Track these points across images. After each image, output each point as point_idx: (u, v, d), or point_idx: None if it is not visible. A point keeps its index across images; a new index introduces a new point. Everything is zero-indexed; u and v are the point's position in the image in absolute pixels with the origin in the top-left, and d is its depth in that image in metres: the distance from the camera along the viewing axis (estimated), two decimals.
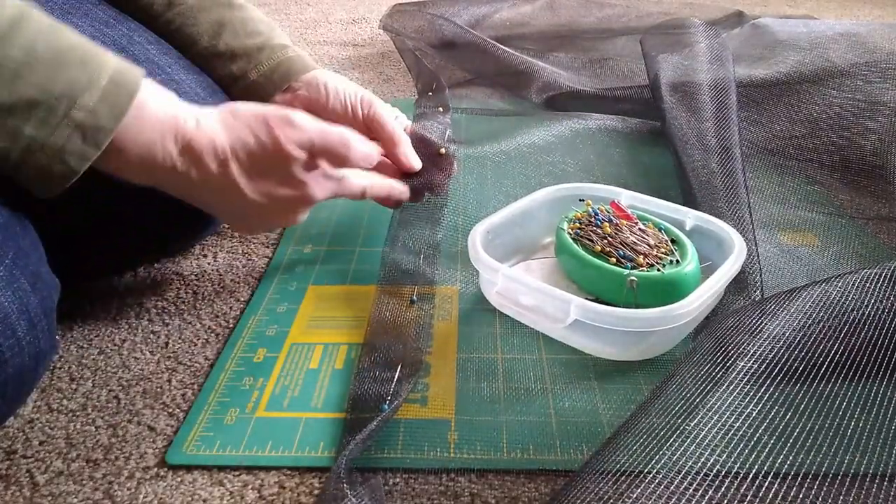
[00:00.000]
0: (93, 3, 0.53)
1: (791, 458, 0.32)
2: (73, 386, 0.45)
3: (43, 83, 0.34)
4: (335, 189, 0.48)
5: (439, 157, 0.58)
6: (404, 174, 0.57)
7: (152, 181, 0.41)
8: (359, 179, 0.50)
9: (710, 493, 0.29)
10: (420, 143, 0.59)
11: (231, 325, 0.51)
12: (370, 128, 0.56)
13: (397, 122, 0.57)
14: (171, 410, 0.43)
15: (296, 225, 0.49)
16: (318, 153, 0.45)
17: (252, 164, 0.43)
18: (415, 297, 0.51)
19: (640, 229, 0.51)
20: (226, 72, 0.56)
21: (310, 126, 0.44)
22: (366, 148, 0.48)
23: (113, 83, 0.37)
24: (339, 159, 0.47)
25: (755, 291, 0.48)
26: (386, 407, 0.40)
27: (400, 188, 0.54)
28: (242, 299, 0.54)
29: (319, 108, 0.56)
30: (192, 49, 0.56)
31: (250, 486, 0.37)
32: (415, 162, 0.56)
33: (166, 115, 0.40)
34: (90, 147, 0.36)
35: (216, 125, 0.42)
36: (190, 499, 0.36)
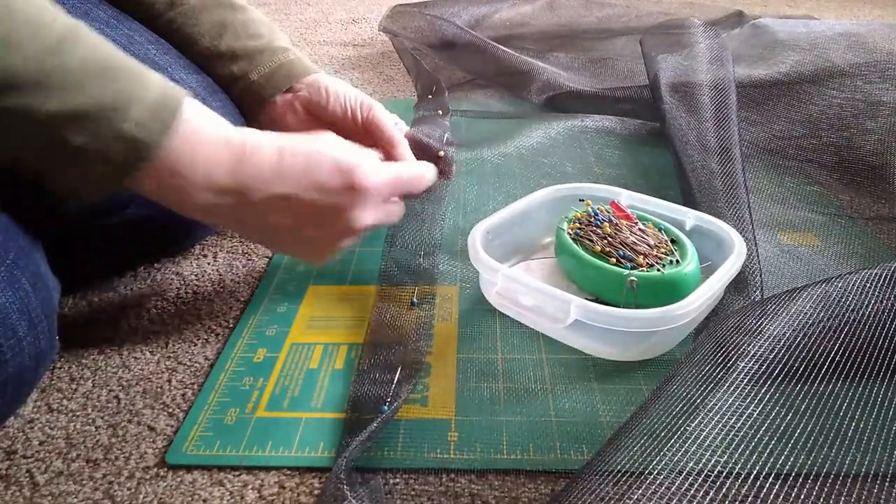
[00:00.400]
0: (93, 3, 0.53)
1: (792, 458, 0.32)
2: (73, 386, 0.45)
3: (95, 94, 0.34)
4: (394, 174, 0.46)
5: (437, 160, 0.58)
6: None
7: (201, 208, 0.40)
8: (417, 167, 0.50)
9: (710, 493, 0.29)
10: (418, 147, 0.59)
11: (231, 325, 0.51)
12: (369, 131, 0.56)
13: (396, 128, 0.58)
14: (171, 410, 0.43)
15: (358, 234, 0.46)
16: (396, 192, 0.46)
17: (304, 162, 0.42)
18: (415, 300, 0.51)
19: (639, 229, 0.51)
20: (226, 72, 0.56)
21: (384, 175, 0.44)
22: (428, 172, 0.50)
23: (160, 99, 0.36)
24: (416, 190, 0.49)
25: (755, 292, 0.48)
26: (386, 408, 0.40)
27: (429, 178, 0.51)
28: (242, 299, 0.54)
29: (319, 109, 0.56)
30: (192, 49, 0.56)
31: (250, 486, 0.37)
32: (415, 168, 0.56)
33: (213, 127, 0.39)
34: (137, 160, 0.36)
35: (261, 134, 0.41)
36: (190, 499, 0.36)
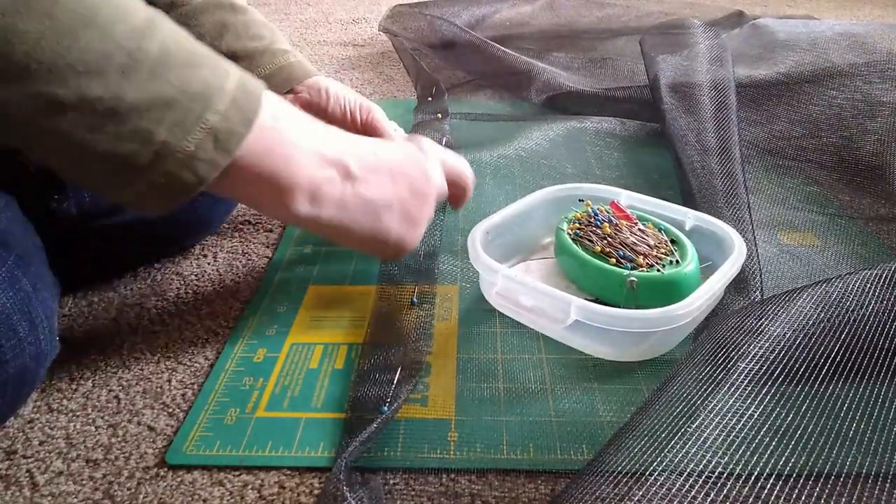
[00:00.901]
0: None
1: (792, 459, 0.32)
2: (73, 386, 0.45)
3: (180, 82, 0.32)
4: (454, 164, 0.50)
5: None
6: None
7: (291, 209, 0.38)
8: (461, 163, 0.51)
9: (711, 494, 0.29)
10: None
11: (231, 325, 0.51)
12: (367, 133, 0.57)
13: (395, 132, 0.58)
14: (171, 410, 0.43)
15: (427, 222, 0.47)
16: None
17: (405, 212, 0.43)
18: (415, 300, 0.51)
19: (639, 230, 0.51)
20: None
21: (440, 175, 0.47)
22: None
23: (241, 88, 0.34)
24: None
25: (755, 292, 0.48)
26: (386, 409, 0.40)
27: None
28: (242, 299, 0.54)
29: (319, 111, 0.56)
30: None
31: (250, 486, 0.37)
32: None
33: (295, 113, 0.38)
34: (221, 154, 0.33)
35: (378, 168, 0.42)
36: (190, 499, 0.36)
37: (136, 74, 0.30)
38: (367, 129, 0.57)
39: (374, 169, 0.41)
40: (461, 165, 0.50)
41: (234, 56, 0.56)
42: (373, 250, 0.44)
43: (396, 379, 0.43)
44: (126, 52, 0.30)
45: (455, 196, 0.50)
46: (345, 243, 0.43)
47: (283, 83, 0.56)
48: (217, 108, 0.33)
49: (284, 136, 0.36)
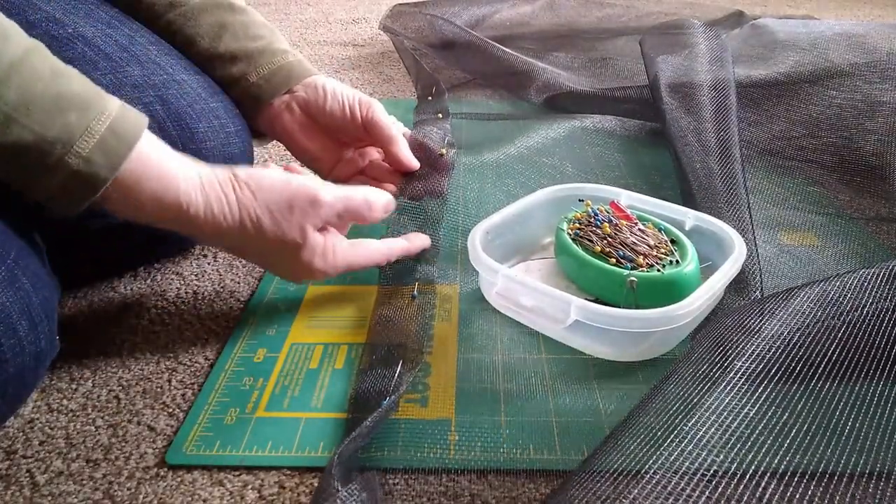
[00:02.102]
0: (95, 3, 0.53)
1: (789, 457, 0.32)
2: (73, 386, 0.45)
3: (37, 127, 0.34)
4: (345, 265, 0.48)
5: (438, 160, 0.59)
6: (403, 175, 0.58)
7: (161, 224, 0.41)
8: (375, 254, 0.50)
9: (707, 493, 0.29)
10: (418, 147, 0.60)
11: (231, 325, 0.51)
12: (367, 130, 0.57)
13: (395, 126, 0.58)
14: (171, 410, 0.43)
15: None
16: (345, 218, 0.47)
17: (259, 246, 0.44)
18: (415, 293, 0.51)
19: (639, 230, 0.51)
20: (225, 73, 0.56)
21: (334, 199, 0.45)
22: (385, 198, 0.50)
23: (111, 131, 0.36)
24: (364, 219, 0.48)
25: (755, 292, 0.48)
26: (385, 403, 0.40)
27: (418, 244, 0.53)
28: (242, 299, 0.54)
29: (317, 109, 0.56)
30: (191, 50, 0.56)
31: (250, 486, 0.37)
32: (413, 162, 0.58)
33: (168, 164, 0.40)
34: (85, 192, 0.36)
35: (230, 204, 0.42)
36: (190, 499, 0.36)
37: None
38: (367, 125, 0.57)
39: (236, 251, 0.45)
40: (352, 197, 0.47)
41: (232, 57, 0.56)
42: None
43: (396, 376, 0.43)
44: None
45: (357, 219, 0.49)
46: None
47: (282, 83, 0.56)
48: (79, 151, 0.35)
49: (141, 186, 0.38)
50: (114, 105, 0.37)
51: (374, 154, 0.61)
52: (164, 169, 0.39)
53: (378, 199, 0.49)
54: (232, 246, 0.45)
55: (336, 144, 0.59)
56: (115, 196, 0.38)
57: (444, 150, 0.62)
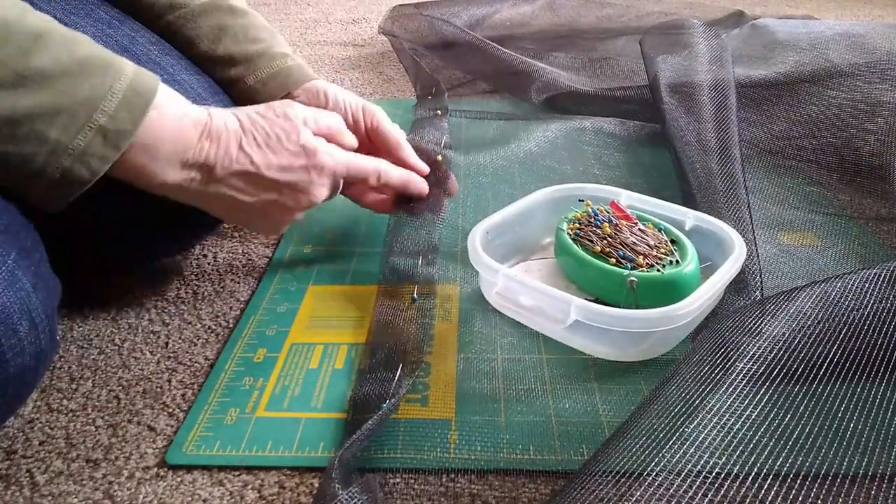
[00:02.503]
0: (95, 3, 0.53)
1: (791, 459, 0.32)
2: (73, 386, 0.45)
3: (67, 90, 0.36)
4: (348, 160, 0.49)
5: (436, 168, 0.59)
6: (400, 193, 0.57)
7: (180, 186, 0.43)
8: (372, 159, 0.52)
9: (709, 494, 0.29)
10: (417, 150, 0.59)
11: (231, 325, 0.51)
12: (372, 137, 0.57)
13: (400, 132, 0.58)
14: (171, 410, 0.43)
15: (317, 203, 0.49)
16: (317, 130, 0.48)
17: (265, 137, 0.45)
18: (415, 296, 0.51)
19: (639, 230, 0.51)
20: (223, 76, 0.56)
21: (303, 107, 0.48)
22: (352, 137, 0.52)
23: (132, 89, 0.39)
24: (334, 136, 0.50)
25: (755, 292, 0.48)
26: (385, 405, 0.40)
27: (418, 180, 0.55)
28: (242, 299, 0.54)
29: None
30: (190, 52, 0.56)
31: (250, 486, 0.37)
32: (421, 165, 0.58)
33: (181, 110, 0.42)
34: (110, 149, 0.38)
35: (227, 113, 0.45)
36: (190, 499, 0.36)
37: (26, 87, 0.35)
38: (371, 132, 0.57)
39: (242, 174, 0.45)
40: (365, 165, 0.51)
41: (231, 59, 0.56)
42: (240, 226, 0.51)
43: (396, 378, 0.43)
44: (15, 73, 0.35)
45: (357, 191, 0.55)
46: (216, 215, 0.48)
47: (280, 87, 0.56)
48: (105, 109, 0.37)
49: (166, 133, 0.41)
50: (129, 66, 0.40)
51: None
52: (184, 112, 0.42)
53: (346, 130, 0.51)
54: (247, 162, 0.45)
55: None
56: (144, 152, 0.40)
57: (440, 156, 0.62)
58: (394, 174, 0.53)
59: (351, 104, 0.57)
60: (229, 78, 0.56)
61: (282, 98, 0.56)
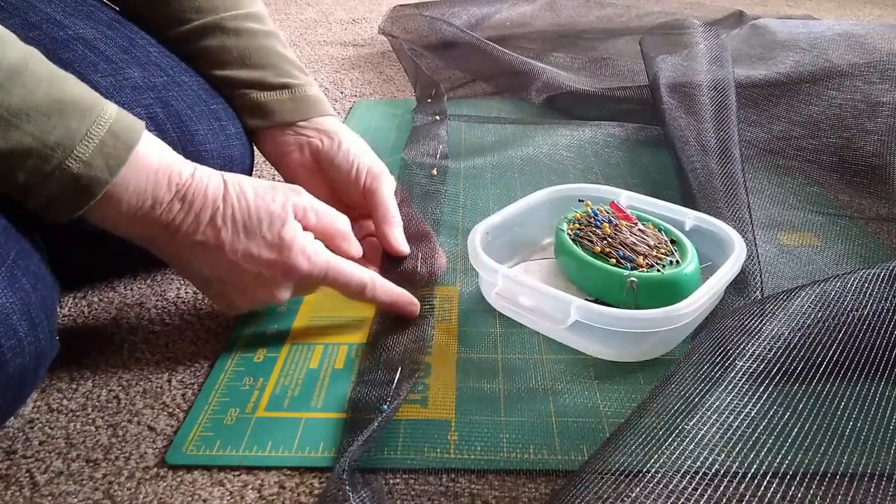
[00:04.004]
0: (95, 5, 0.53)
1: (790, 457, 0.32)
2: (73, 386, 0.45)
3: (38, 132, 0.34)
4: (329, 265, 0.44)
5: (426, 240, 0.56)
6: (389, 258, 0.54)
7: (142, 236, 0.41)
8: (360, 270, 0.46)
9: (709, 492, 0.29)
10: (408, 222, 0.56)
11: (231, 325, 0.51)
12: (367, 198, 0.54)
13: (394, 208, 0.54)
14: (171, 410, 0.43)
15: (277, 303, 0.45)
16: (315, 227, 0.45)
17: (245, 216, 0.42)
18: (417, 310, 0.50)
19: (639, 230, 0.51)
20: (242, 102, 0.55)
21: (314, 199, 0.45)
22: (357, 246, 0.48)
23: (111, 134, 0.37)
24: (334, 238, 0.46)
25: (755, 292, 0.48)
26: (385, 408, 0.40)
27: (406, 303, 0.48)
28: None
29: (326, 159, 0.54)
30: (212, 71, 0.55)
31: (250, 486, 0.37)
32: (404, 248, 0.53)
33: (161, 163, 0.40)
34: (84, 197, 0.37)
35: (215, 176, 0.42)
36: (190, 499, 0.36)
37: None
38: (366, 194, 0.54)
39: (203, 246, 0.41)
40: (349, 274, 0.45)
41: (244, 82, 0.55)
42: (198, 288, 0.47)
43: (396, 379, 0.43)
44: None
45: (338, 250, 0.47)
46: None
47: (294, 113, 0.55)
48: (79, 155, 0.35)
49: (131, 188, 0.38)
50: (112, 109, 0.38)
51: (371, 228, 0.56)
52: (163, 166, 0.40)
53: (351, 235, 0.48)
54: (212, 237, 0.41)
55: (336, 198, 0.56)
56: (111, 200, 0.38)
57: (434, 172, 0.62)
58: (381, 293, 0.47)
59: (359, 159, 0.54)
60: (229, 97, 0.55)
61: (298, 134, 0.55)
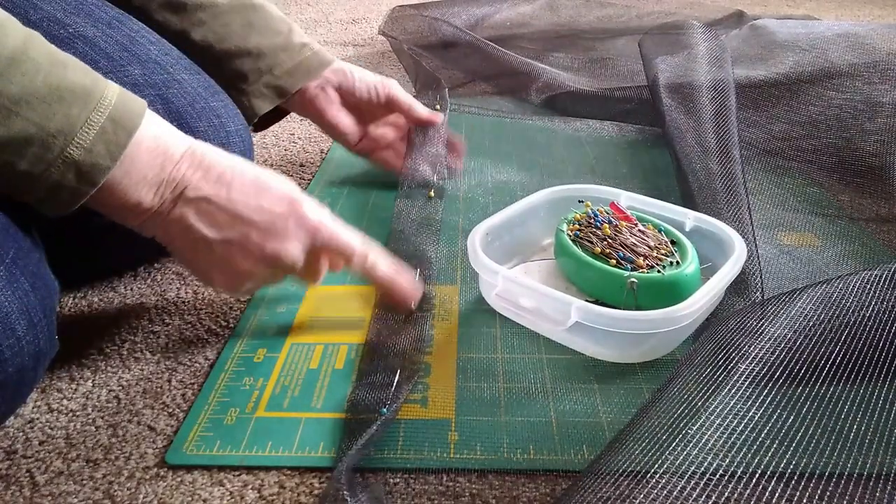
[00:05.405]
0: (96, 3, 0.53)
1: (793, 459, 0.32)
2: (73, 386, 0.45)
3: (39, 120, 0.34)
4: (332, 225, 0.44)
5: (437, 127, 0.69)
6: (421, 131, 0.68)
7: (139, 220, 0.40)
8: (365, 245, 0.46)
9: (714, 496, 0.29)
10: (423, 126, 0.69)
11: (231, 325, 0.51)
12: (388, 104, 0.67)
13: (409, 96, 0.68)
14: (171, 410, 0.43)
15: (287, 265, 0.43)
16: (321, 241, 0.44)
17: (253, 180, 0.42)
18: (413, 304, 0.50)
19: (639, 230, 0.51)
20: (252, 67, 0.60)
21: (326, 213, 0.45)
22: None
23: (111, 121, 0.36)
24: (342, 255, 0.46)
25: (756, 293, 0.48)
26: (385, 410, 0.40)
27: (405, 285, 0.48)
28: (242, 299, 0.54)
29: (348, 91, 0.65)
30: (219, 46, 0.59)
31: (250, 486, 0.37)
32: (434, 116, 0.68)
33: (167, 137, 0.40)
34: (85, 185, 0.36)
35: (221, 151, 0.43)
36: (190, 499, 0.36)
37: None
38: (388, 101, 0.66)
39: (210, 202, 0.41)
40: (350, 241, 0.45)
41: (259, 52, 0.60)
42: (200, 277, 0.45)
43: (396, 380, 0.43)
44: None
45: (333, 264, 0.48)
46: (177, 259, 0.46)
47: (305, 75, 0.62)
48: (80, 142, 0.35)
49: (138, 163, 0.38)
50: (113, 92, 0.37)
51: (393, 134, 0.71)
52: (165, 137, 0.40)
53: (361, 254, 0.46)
54: (223, 194, 0.41)
55: (360, 121, 0.69)
56: (113, 187, 0.38)
57: (437, 106, 0.73)
58: (381, 266, 0.46)
59: (372, 80, 0.66)
60: (257, 70, 0.60)
61: (315, 81, 0.63)
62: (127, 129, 0.37)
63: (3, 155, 0.34)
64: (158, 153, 0.39)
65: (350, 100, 0.66)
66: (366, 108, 0.68)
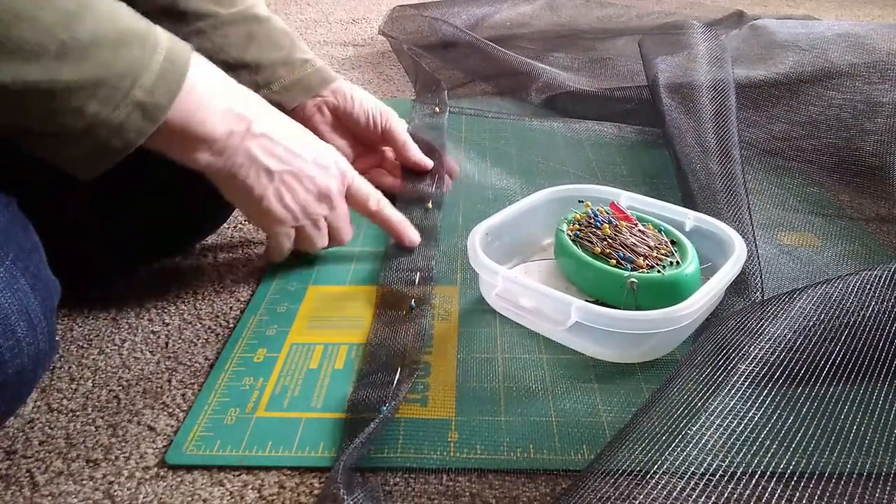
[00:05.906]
0: None
1: (793, 460, 0.32)
2: (73, 386, 0.45)
3: (108, 63, 0.36)
4: (356, 174, 0.55)
5: (434, 156, 0.67)
6: (410, 172, 0.67)
7: (207, 152, 0.44)
8: (376, 191, 0.56)
9: (714, 496, 0.29)
10: (416, 141, 0.67)
11: (231, 325, 0.51)
12: (385, 135, 0.65)
13: (407, 132, 0.67)
14: (171, 410, 0.43)
15: (329, 194, 0.52)
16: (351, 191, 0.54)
17: (291, 134, 0.49)
18: (413, 304, 0.51)
19: (639, 230, 0.51)
20: (248, 81, 0.58)
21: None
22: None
23: (168, 62, 0.39)
24: (361, 196, 0.55)
25: (756, 293, 0.48)
26: (385, 409, 0.40)
27: (411, 231, 0.58)
28: (242, 299, 0.54)
29: (345, 114, 0.63)
30: (217, 57, 0.57)
31: (250, 486, 0.37)
32: (425, 162, 0.66)
33: (223, 78, 0.45)
34: (148, 123, 0.38)
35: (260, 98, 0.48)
36: (190, 499, 0.36)
37: (68, 59, 0.34)
38: (385, 133, 0.65)
39: (269, 138, 0.47)
40: (368, 187, 0.56)
41: (257, 66, 0.59)
42: (255, 215, 0.51)
43: (396, 380, 0.43)
44: (58, 41, 0.34)
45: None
46: (232, 199, 0.49)
47: (304, 92, 0.61)
48: (143, 83, 0.38)
49: (202, 100, 0.42)
50: (163, 36, 0.40)
51: (389, 154, 0.70)
52: (220, 80, 0.44)
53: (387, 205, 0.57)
54: (274, 124, 0.48)
55: (353, 145, 0.67)
56: (174, 122, 0.40)
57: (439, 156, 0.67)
58: (391, 210, 0.57)
59: (371, 107, 0.64)
60: (254, 83, 0.59)
61: (314, 99, 0.62)
62: (181, 69, 0.40)
63: (75, 100, 0.35)
64: (216, 90, 0.43)
65: (346, 123, 0.65)
66: (362, 135, 0.66)
